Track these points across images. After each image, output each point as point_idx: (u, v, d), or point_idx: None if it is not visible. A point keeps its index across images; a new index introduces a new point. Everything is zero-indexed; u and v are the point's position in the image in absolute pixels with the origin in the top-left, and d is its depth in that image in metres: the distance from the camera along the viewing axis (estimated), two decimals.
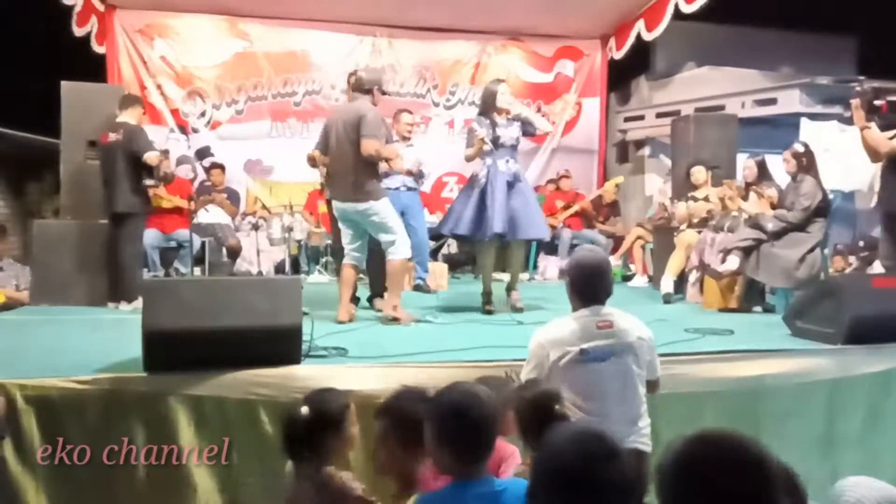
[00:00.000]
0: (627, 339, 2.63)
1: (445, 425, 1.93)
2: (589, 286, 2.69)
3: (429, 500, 1.91)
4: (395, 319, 4.59)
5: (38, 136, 8.29)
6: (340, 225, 4.80)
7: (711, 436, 1.34)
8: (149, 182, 5.48)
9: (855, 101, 4.49)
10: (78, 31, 7.70)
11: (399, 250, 4.64)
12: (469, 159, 5.19)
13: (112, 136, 5.39)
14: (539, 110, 8.89)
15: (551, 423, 2.29)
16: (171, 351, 3.08)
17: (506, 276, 5.74)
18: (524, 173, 5.26)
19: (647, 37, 8.18)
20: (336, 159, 4.70)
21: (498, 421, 1.98)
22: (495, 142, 5.06)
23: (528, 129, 5.22)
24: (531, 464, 1.60)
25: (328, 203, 5.27)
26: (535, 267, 7.73)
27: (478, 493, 1.88)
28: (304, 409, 2.33)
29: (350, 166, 4.57)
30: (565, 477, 1.46)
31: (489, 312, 5.14)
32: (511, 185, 5.05)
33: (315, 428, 2.30)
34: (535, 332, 2.70)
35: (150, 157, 5.35)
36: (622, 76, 9.89)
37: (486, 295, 5.27)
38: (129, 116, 5.47)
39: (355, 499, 2.26)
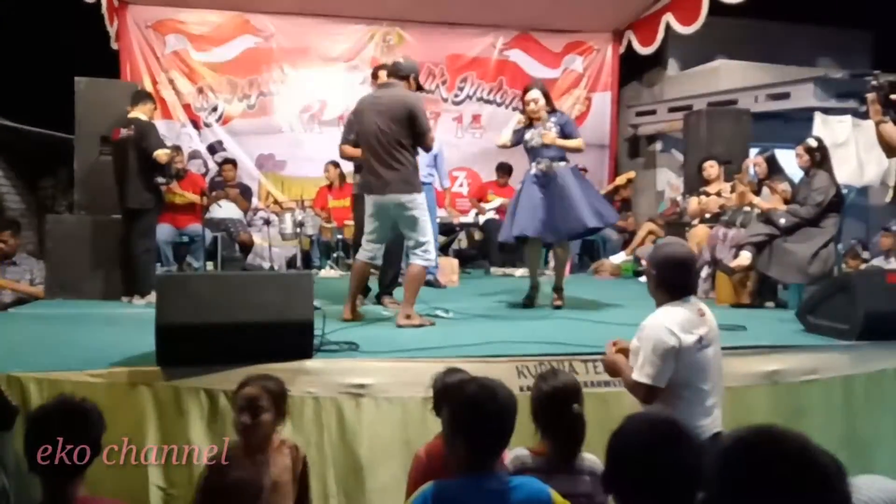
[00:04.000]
0: (714, 325, 2.68)
1: (460, 418, 1.95)
2: (684, 278, 2.67)
3: (442, 490, 1.91)
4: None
5: (52, 131, 8.33)
6: (371, 219, 4.50)
7: (773, 433, 1.30)
8: (160, 180, 5.51)
9: (871, 95, 4.44)
10: (111, 30, 7.90)
11: (426, 255, 4.42)
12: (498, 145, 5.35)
13: (124, 132, 5.41)
14: None
15: (565, 419, 2.31)
16: (185, 345, 3.10)
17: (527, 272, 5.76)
18: (563, 167, 5.04)
19: (685, 31, 8.03)
20: (374, 149, 4.36)
21: (513, 416, 1.98)
22: (525, 144, 5.08)
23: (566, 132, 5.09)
24: (606, 451, 1.62)
25: (353, 198, 5.23)
26: (547, 262, 7.71)
27: (490, 488, 1.89)
28: None
29: (393, 157, 4.31)
30: (640, 461, 1.51)
31: (526, 305, 5.18)
32: (546, 186, 4.97)
33: None
34: (648, 325, 2.57)
35: (160, 155, 5.37)
36: (634, 70, 9.84)
37: (530, 289, 5.28)
38: (140, 112, 5.50)
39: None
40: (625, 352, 2.73)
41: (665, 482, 1.49)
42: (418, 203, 4.40)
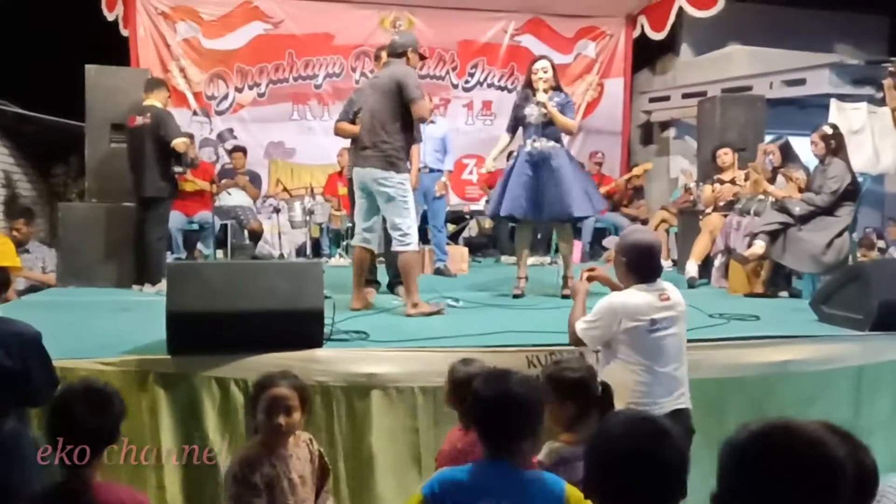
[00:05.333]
0: (680, 308, 2.86)
1: (475, 408, 1.97)
2: (648, 264, 2.86)
3: (451, 476, 1.91)
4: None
5: (63, 119, 8.36)
6: (356, 197, 4.55)
7: (789, 427, 1.27)
8: (177, 169, 5.54)
9: (887, 82, 4.40)
10: (109, 16, 7.81)
11: (409, 240, 4.36)
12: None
13: (139, 120, 5.41)
14: None
15: (595, 398, 2.38)
16: (195, 333, 3.10)
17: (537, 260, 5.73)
18: (558, 149, 5.00)
19: (700, 14, 7.94)
20: (367, 128, 4.43)
21: (531, 405, 1.94)
22: (521, 120, 5.02)
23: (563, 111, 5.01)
24: (585, 454, 1.59)
25: (350, 183, 5.25)
26: (557, 250, 7.69)
27: (502, 476, 1.88)
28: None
29: (378, 135, 4.33)
30: (621, 459, 1.48)
31: (515, 296, 5.07)
32: (538, 165, 4.94)
33: None
34: (609, 297, 2.85)
35: (178, 144, 5.38)
36: (647, 56, 9.74)
37: (517, 279, 5.18)
38: (155, 100, 5.49)
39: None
40: (599, 279, 3.15)
41: (648, 482, 1.45)
42: (395, 182, 4.34)
